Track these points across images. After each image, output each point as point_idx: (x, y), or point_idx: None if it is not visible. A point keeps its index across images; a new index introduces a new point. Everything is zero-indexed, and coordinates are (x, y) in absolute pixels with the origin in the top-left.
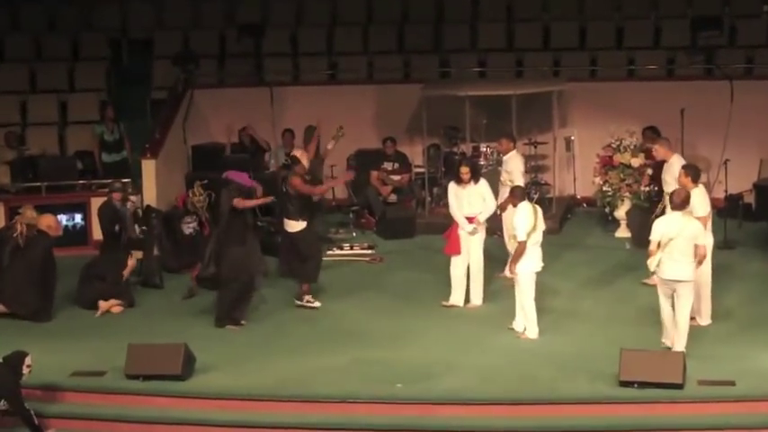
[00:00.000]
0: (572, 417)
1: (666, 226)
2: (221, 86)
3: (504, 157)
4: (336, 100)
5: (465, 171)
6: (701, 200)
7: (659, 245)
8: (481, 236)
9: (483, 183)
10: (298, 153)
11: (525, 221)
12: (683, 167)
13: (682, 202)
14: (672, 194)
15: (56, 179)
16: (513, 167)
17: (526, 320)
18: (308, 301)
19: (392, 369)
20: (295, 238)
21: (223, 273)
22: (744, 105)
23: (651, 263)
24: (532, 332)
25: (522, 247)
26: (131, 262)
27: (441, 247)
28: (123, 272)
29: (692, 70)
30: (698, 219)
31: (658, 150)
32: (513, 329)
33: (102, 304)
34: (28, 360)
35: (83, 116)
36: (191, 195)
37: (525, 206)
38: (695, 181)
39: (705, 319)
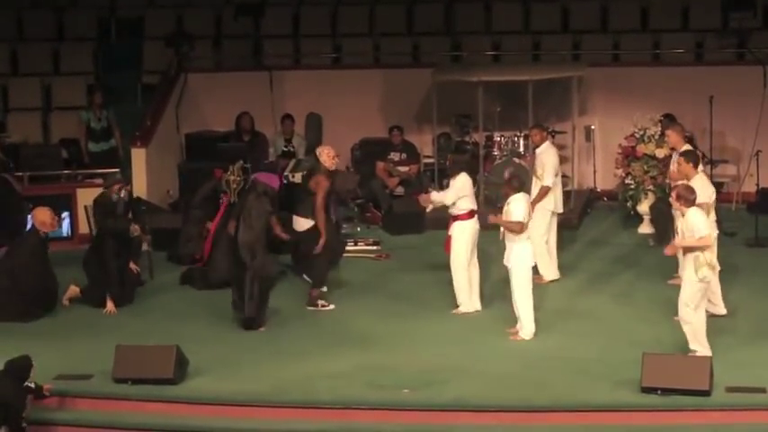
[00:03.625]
0: (591, 425)
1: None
2: (217, 70)
3: (537, 150)
4: (340, 85)
5: (448, 160)
6: (702, 185)
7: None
8: (460, 235)
9: (457, 179)
10: (324, 152)
11: (525, 207)
12: (683, 153)
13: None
14: (685, 191)
15: (39, 169)
16: (546, 161)
17: (520, 319)
18: (322, 306)
19: (398, 374)
20: (302, 238)
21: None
22: None
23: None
24: (527, 332)
25: (518, 228)
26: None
27: None
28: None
29: (723, 54)
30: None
31: (670, 136)
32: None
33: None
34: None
35: (68, 101)
36: (228, 173)
37: (521, 196)
38: (696, 167)
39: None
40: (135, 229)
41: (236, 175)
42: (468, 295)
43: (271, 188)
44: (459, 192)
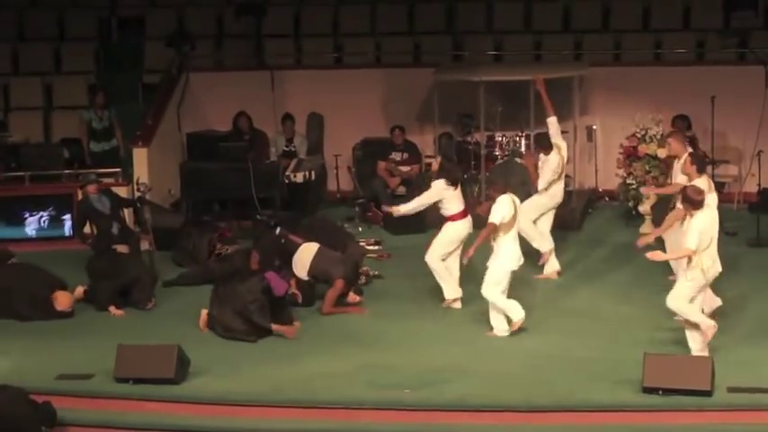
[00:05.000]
0: (592, 425)
1: (712, 225)
2: (218, 69)
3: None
4: (341, 85)
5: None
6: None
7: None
8: (446, 233)
9: (432, 186)
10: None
11: (504, 210)
12: (690, 154)
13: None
14: (692, 192)
15: (40, 168)
16: (545, 167)
17: (494, 316)
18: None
19: (399, 374)
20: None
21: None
22: None
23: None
24: (501, 329)
25: (489, 229)
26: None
27: None
28: None
29: (724, 54)
30: None
31: (671, 144)
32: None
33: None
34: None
35: (69, 101)
36: (222, 243)
37: (505, 198)
38: (701, 171)
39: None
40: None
41: (224, 247)
42: (449, 282)
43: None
44: (425, 200)
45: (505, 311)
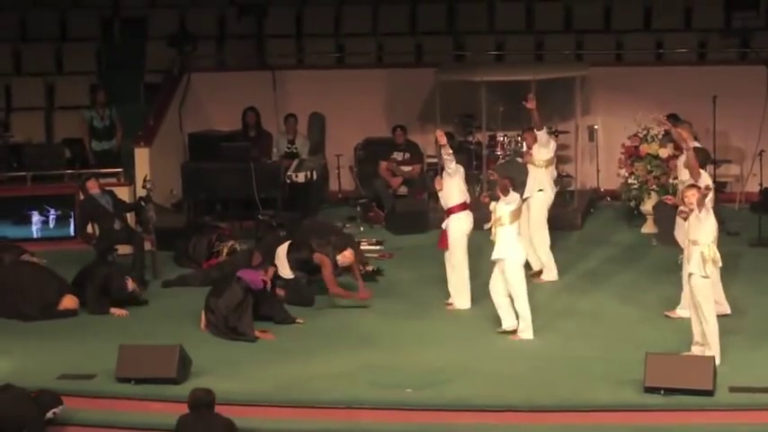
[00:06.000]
0: (593, 425)
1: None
2: (220, 69)
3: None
4: (343, 85)
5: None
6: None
7: None
8: (457, 228)
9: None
10: (347, 254)
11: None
12: (695, 149)
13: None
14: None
15: (42, 168)
16: (536, 151)
17: (520, 318)
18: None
19: (401, 373)
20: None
21: None
22: None
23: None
24: (527, 332)
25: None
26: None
27: None
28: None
29: (726, 54)
30: None
31: (681, 133)
32: (505, 331)
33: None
34: (58, 409)
35: (71, 101)
36: (223, 245)
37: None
38: (703, 166)
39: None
40: (132, 286)
41: (225, 251)
42: (464, 292)
43: (250, 287)
44: (456, 170)
45: (520, 318)
